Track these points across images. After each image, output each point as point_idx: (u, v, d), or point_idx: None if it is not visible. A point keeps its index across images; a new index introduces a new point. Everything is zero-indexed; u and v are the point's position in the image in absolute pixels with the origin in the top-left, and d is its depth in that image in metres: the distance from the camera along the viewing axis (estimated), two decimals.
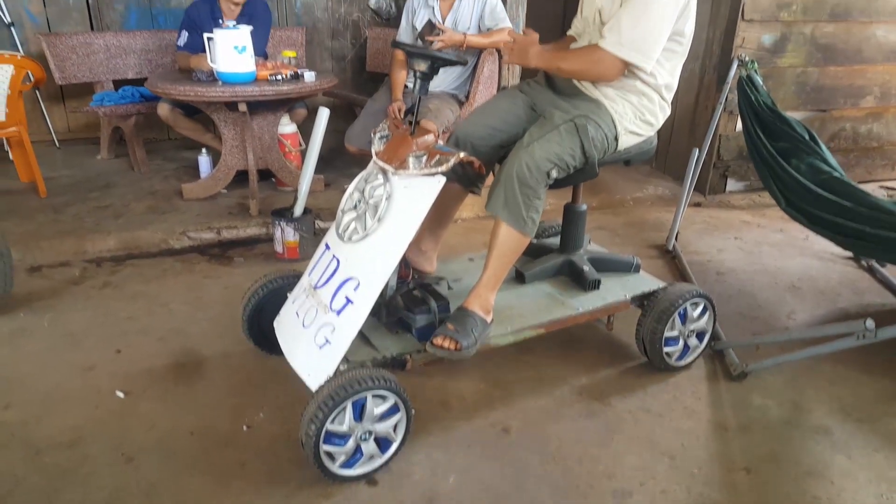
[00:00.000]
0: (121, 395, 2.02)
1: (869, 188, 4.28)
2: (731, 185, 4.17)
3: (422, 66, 1.81)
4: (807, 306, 2.73)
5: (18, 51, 4.28)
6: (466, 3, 3.36)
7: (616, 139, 1.99)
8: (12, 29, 4.28)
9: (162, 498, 1.63)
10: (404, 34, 3.64)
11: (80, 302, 2.60)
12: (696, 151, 3.30)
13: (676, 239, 3.30)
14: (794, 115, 3.97)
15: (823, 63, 4.03)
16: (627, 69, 1.92)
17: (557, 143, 1.86)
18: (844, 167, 4.25)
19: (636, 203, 4.03)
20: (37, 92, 4.39)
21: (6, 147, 4.17)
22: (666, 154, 4.41)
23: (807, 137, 2.84)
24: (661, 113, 2.06)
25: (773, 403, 2.05)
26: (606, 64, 1.87)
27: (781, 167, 2.79)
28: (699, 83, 4.06)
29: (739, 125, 3.36)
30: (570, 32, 2.26)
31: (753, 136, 2.99)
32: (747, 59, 3.16)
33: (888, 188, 4.36)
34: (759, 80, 3.08)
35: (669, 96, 2.05)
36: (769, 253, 3.27)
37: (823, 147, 2.81)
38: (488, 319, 1.91)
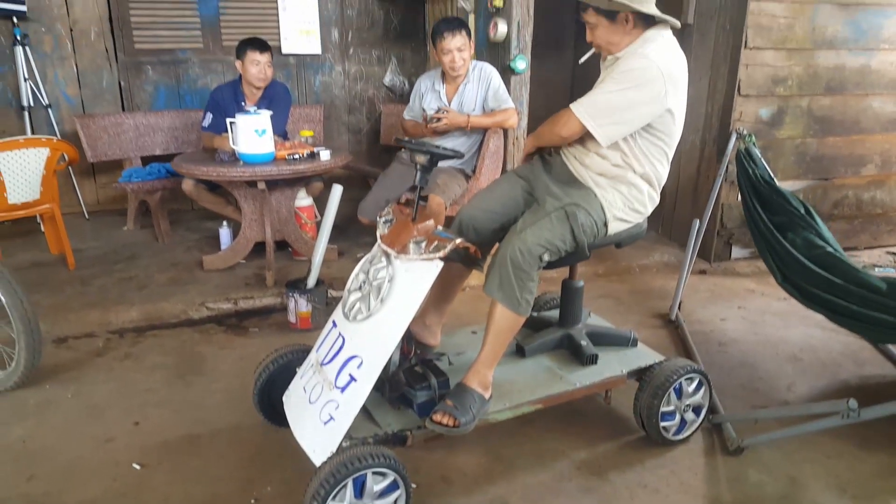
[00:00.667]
0: (137, 467, 2.12)
1: (875, 254, 4.36)
2: (736, 252, 4.25)
3: (422, 159, 1.97)
4: (807, 378, 2.77)
5: (54, 130, 4.57)
6: (471, 87, 3.55)
7: (605, 225, 2.11)
8: (49, 110, 4.58)
9: None
10: (409, 112, 3.84)
11: (102, 374, 2.73)
12: (697, 222, 3.40)
13: (679, 308, 3.37)
14: (795, 184, 4.14)
15: (822, 134, 4.15)
16: (619, 157, 2.07)
17: (549, 230, 1.98)
18: (849, 234, 4.37)
19: (642, 270, 4.12)
20: (69, 168, 4.65)
21: (38, 220, 4.42)
22: (671, 222, 4.51)
23: (802, 211, 2.92)
24: (649, 203, 2.18)
25: (770, 479, 2.09)
26: (570, 123, 2.04)
27: (778, 241, 2.87)
28: (700, 155, 4.19)
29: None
30: None
31: (751, 209, 3.08)
32: (745, 132, 3.28)
33: (895, 254, 4.41)
34: (756, 152, 3.18)
35: (658, 187, 2.18)
36: (772, 322, 3.32)
37: (819, 221, 2.89)
38: (486, 396, 2.00)
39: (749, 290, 3.79)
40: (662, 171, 2.16)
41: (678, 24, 2.06)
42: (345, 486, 1.66)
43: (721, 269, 4.11)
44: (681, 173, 4.36)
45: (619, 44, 2.05)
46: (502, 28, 3.67)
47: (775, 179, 3.11)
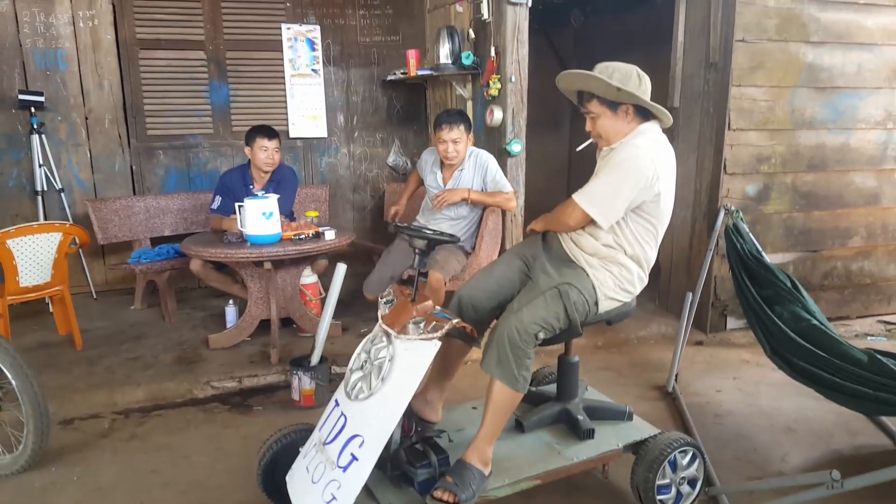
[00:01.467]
0: None
1: (867, 323, 4.44)
2: (731, 322, 4.33)
3: (420, 244, 2.09)
4: (801, 449, 2.81)
5: (66, 213, 4.74)
6: (467, 173, 3.74)
7: (596, 304, 2.22)
8: (62, 194, 4.76)
9: None
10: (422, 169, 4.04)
11: (108, 455, 2.78)
12: (690, 295, 3.50)
13: (676, 380, 3.43)
14: (785, 257, 4.26)
15: (807, 208, 4.30)
16: (611, 238, 2.21)
17: (543, 308, 2.08)
18: (841, 303, 4.46)
19: (640, 341, 4.19)
20: (79, 250, 4.80)
21: (46, 301, 4.52)
22: (668, 294, 4.61)
23: (789, 285, 3.02)
24: (638, 283, 2.29)
25: None
26: (576, 214, 2.18)
27: (766, 314, 2.96)
28: (691, 229, 4.33)
29: None
30: None
31: (741, 283, 3.19)
32: (732, 208, 3.43)
33: (886, 322, 4.48)
34: (744, 227, 3.31)
35: (647, 269, 2.30)
36: (767, 393, 3.37)
37: (804, 294, 2.99)
38: (486, 472, 2.05)
39: (744, 360, 3.85)
40: (651, 254, 2.28)
41: (671, 120, 2.24)
42: None
43: (717, 340, 4.19)
44: (674, 247, 4.50)
45: (617, 133, 2.22)
46: (498, 115, 3.89)
47: (763, 253, 3.23)
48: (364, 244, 5.02)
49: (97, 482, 2.56)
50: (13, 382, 2.48)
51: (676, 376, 3.44)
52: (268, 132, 4.04)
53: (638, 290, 2.31)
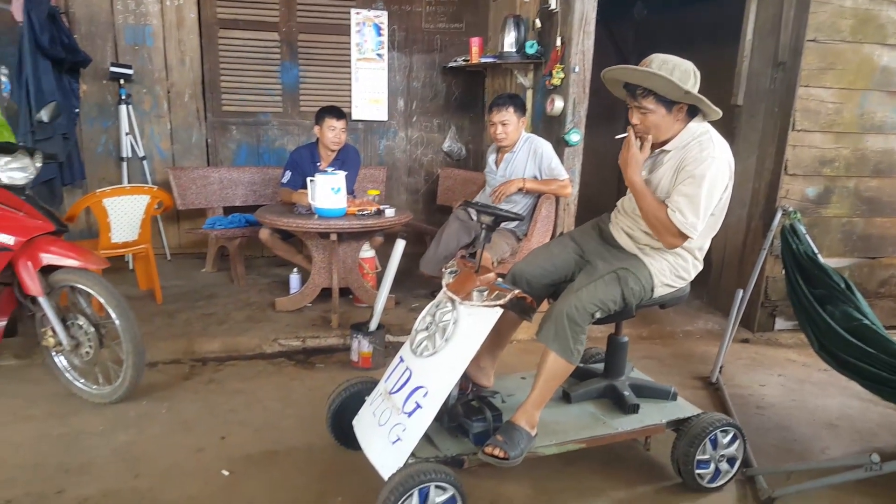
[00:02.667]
0: (226, 473, 2.42)
1: None
2: (780, 323, 4.36)
3: (487, 219, 2.27)
4: (842, 444, 2.89)
5: (147, 179, 5.08)
6: (520, 157, 3.89)
7: (652, 290, 2.35)
8: (144, 162, 5.10)
9: None
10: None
11: (190, 394, 3.07)
12: (741, 292, 3.58)
13: (720, 372, 3.53)
14: (841, 262, 4.26)
15: (869, 214, 4.26)
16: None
17: (602, 291, 2.22)
18: None
19: (685, 336, 4.28)
20: (157, 216, 5.13)
21: (126, 259, 4.87)
22: (717, 291, 4.67)
23: (843, 286, 3.06)
24: (693, 269, 2.41)
25: None
26: (674, 237, 2.19)
27: (817, 312, 3.01)
28: (746, 228, 4.37)
29: None
30: None
31: (793, 282, 3.23)
32: (790, 209, 3.48)
33: None
34: (801, 229, 3.33)
35: (702, 255, 2.41)
36: (811, 391, 3.44)
37: (859, 296, 3.02)
38: (533, 433, 2.21)
39: (790, 359, 3.91)
40: (705, 243, 2.39)
41: (720, 114, 2.28)
42: (411, 495, 1.91)
43: (764, 339, 4.24)
44: (727, 245, 4.55)
45: (666, 131, 2.26)
46: (559, 104, 4.02)
47: (819, 255, 3.26)
48: (417, 225, 5.22)
49: (182, 416, 2.85)
50: (117, 322, 2.77)
51: (721, 368, 3.53)
52: (337, 113, 4.26)
53: (692, 276, 2.43)
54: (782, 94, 4.08)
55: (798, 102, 3.98)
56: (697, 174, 2.15)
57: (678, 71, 2.17)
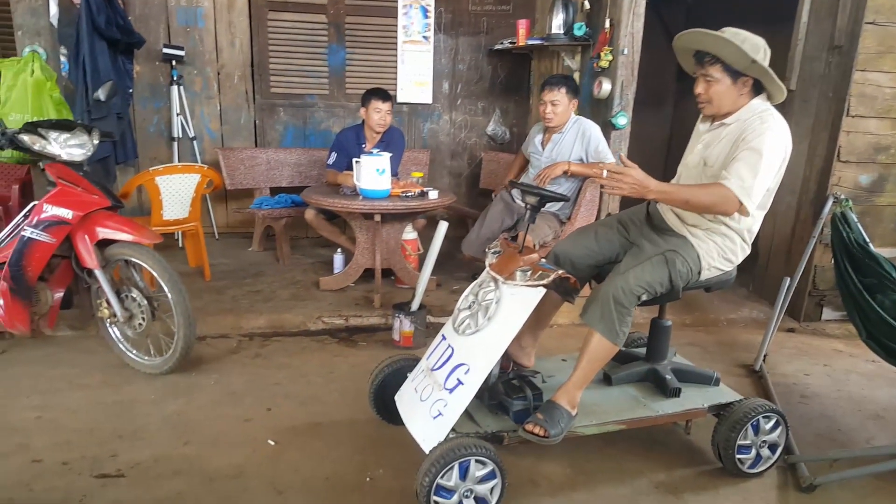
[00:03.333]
0: (272, 443, 2.51)
1: None
2: (827, 313, 4.27)
3: (532, 200, 2.28)
4: (888, 435, 2.83)
5: (196, 159, 5.21)
6: (567, 138, 3.87)
7: (699, 273, 2.33)
8: (194, 142, 5.23)
9: None
10: (527, 148, 4.20)
11: (237, 367, 3.18)
12: (788, 280, 3.52)
13: (764, 360, 3.48)
14: (893, 252, 4.12)
15: None
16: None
17: (649, 273, 2.21)
18: None
19: (729, 324, 4.23)
20: (206, 195, 5.26)
21: (176, 237, 5.02)
22: (763, 280, 4.59)
23: (894, 275, 3.00)
24: (741, 252, 2.39)
25: None
26: (731, 202, 2.13)
27: (866, 301, 2.95)
28: (796, 216, 4.29)
29: None
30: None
31: (842, 270, 3.17)
32: (842, 197, 3.40)
33: None
34: (852, 217, 3.25)
35: (750, 239, 2.38)
36: (857, 381, 3.38)
37: None
38: (573, 413, 2.23)
39: (837, 350, 3.84)
40: (755, 225, 2.36)
41: (785, 94, 2.25)
42: (452, 468, 1.95)
43: (810, 329, 4.16)
44: (775, 233, 4.47)
45: (730, 104, 2.25)
46: (606, 86, 3.99)
47: (870, 244, 3.19)
48: (459, 208, 5.24)
49: (230, 388, 2.95)
50: (169, 296, 2.88)
51: (765, 356, 3.49)
52: (383, 95, 4.30)
53: (740, 259, 2.40)
54: (837, 79, 3.97)
55: (853, 87, 3.88)
56: (755, 145, 2.14)
57: (749, 43, 2.17)
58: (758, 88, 2.26)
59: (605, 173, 2.21)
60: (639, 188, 2.11)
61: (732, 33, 2.18)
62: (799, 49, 4.29)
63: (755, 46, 2.17)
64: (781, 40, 4.43)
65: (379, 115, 4.29)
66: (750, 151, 2.15)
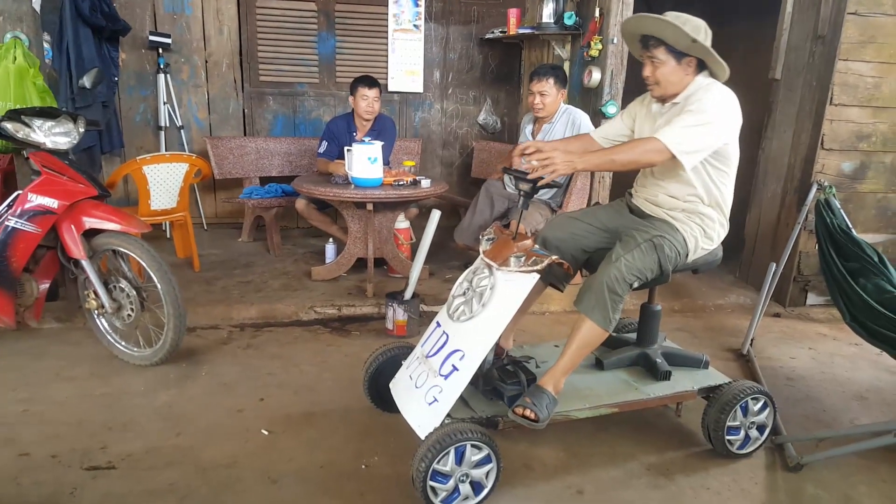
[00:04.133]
0: (265, 432, 2.50)
1: None
2: (812, 299, 4.34)
3: (525, 186, 2.29)
4: (871, 415, 2.88)
5: (184, 148, 5.16)
6: (557, 128, 3.88)
7: (687, 255, 2.37)
8: (181, 131, 5.18)
9: None
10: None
11: (229, 358, 3.16)
12: (773, 266, 3.57)
13: (751, 344, 3.53)
14: (875, 237, 4.21)
15: None
16: (685, 193, 2.34)
17: (640, 259, 2.23)
18: None
19: (717, 309, 4.27)
20: (194, 185, 5.23)
21: (164, 227, 4.98)
22: (749, 266, 4.65)
23: (876, 260, 3.05)
24: (721, 229, 2.44)
25: (826, 495, 2.26)
26: (659, 153, 2.19)
27: (850, 285, 3.01)
28: (781, 203, 4.34)
29: None
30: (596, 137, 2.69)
31: (826, 255, 3.23)
32: (826, 184, 3.45)
33: None
34: (836, 203, 3.31)
35: (727, 211, 2.43)
36: (841, 364, 3.43)
37: (892, 269, 3.01)
38: (556, 398, 2.24)
39: (821, 334, 3.90)
40: (728, 195, 2.41)
41: (727, 72, 2.32)
42: (448, 452, 1.97)
43: (795, 314, 4.22)
44: (761, 220, 4.52)
45: (677, 84, 2.32)
46: (596, 75, 4.00)
47: (853, 229, 3.24)
48: (451, 197, 5.25)
49: (222, 378, 2.94)
50: (158, 286, 2.86)
51: (752, 340, 3.54)
52: (369, 82, 4.28)
53: (721, 236, 2.46)
54: (821, 68, 4.02)
55: (836, 76, 3.93)
56: (692, 108, 2.23)
57: (690, 24, 2.24)
58: (702, 68, 2.34)
59: (534, 163, 2.25)
60: (569, 162, 2.20)
61: (674, 15, 2.24)
62: (784, 39, 4.32)
63: (696, 27, 2.24)
64: (767, 31, 4.48)
65: (366, 102, 4.28)
66: (686, 112, 2.24)
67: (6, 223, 2.79)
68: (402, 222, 4.36)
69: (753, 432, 2.46)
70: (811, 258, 4.19)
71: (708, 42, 2.26)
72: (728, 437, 2.41)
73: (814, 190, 3.62)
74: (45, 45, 3.76)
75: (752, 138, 4.58)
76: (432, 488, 1.99)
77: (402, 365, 2.43)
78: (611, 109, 4.01)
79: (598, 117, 4.04)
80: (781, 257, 3.66)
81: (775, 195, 4.39)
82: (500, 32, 5.10)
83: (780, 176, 4.34)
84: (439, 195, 4.35)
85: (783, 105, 4.34)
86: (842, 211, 3.30)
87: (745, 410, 2.41)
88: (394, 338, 3.45)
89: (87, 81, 3.42)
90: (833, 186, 3.43)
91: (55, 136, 2.86)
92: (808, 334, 3.88)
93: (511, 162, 4.25)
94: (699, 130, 2.21)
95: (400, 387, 2.34)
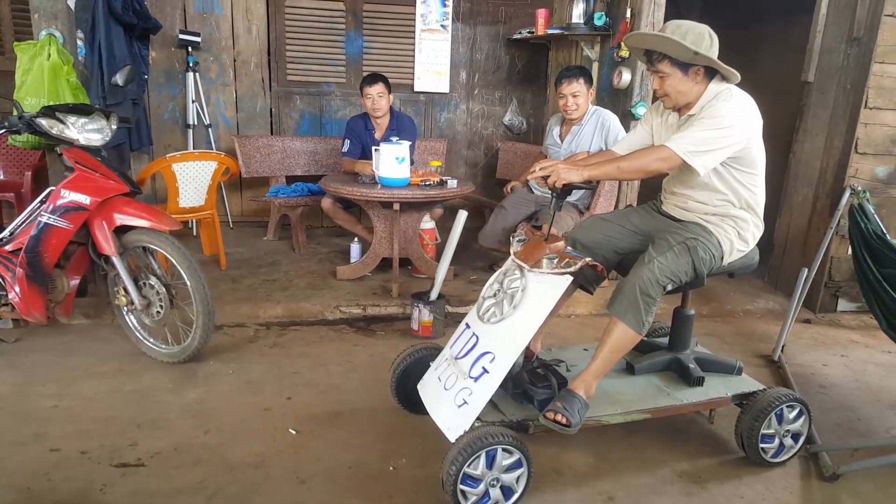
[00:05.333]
0: (293, 432, 2.50)
1: None
2: (843, 305, 4.26)
3: (559, 186, 2.26)
4: None
5: (212, 147, 5.20)
6: (587, 130, 3.84)
7: (722, 258, 2.32)
8: (209, 129, 5.22)
9: None
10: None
11: (256, 356, 3.17)
12: (805, 271, 3.50)
13: (783, 351, 3.47)
14: None
15: None
16: (715, 198, 2.32)
17: (673, 262, 2.20)
18: None
19: (746, 315, 4.21)
20: (220, 184, 5.26)
21: (191, 225, 5.02)
22: (779, 271, 4.58)
23: None
24: (756, 230, 2.39)
25: None
26: (669, 160, 2.19)
27: (886, 292, 2.95)
28: (812, 208, 4.26)
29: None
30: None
31: (861, 261, 3.17)
32: (859, 188, 3.38)
33: None
34: (870, 208, 3.26)
35: (760, 212, 2.39)
36: (874, 372, 3.36)
37: None
38: (588, 402, 2.21)
39: (853, 341, 3.82)
40: (760, 195, 2.36)
41: (738, 77, 2.28)
42: (479, 456, 1.95)
43: (826, 320, 4.15)
44: (791, 225, 4.45)
45: (687, 94, 2.28)
46: (626, 77, 3.95)
47: (887, 235, 3.18)
48: (476, 198, 5.22)
49: (249, 376, 2.95)
50: (188, 283, 2.87)
51: (783, 347, 3.47)
52: (370, 79, 4.27)
53: (756, 237, 2.41)
54: (856, 71, 3.94)
55: (872, 79, 3.86)
56: (704, 115, 2.21)
57: (691, 34, 2.19)
58: (713, 73, 2.29)
59: (537, 171, 2.28)
60: (572, 171, 2.21)
61: (674, 27, 2.21)
62: (817, 41, 4.25)
63: (699, 36, 2.20)
64: (800, 32, 4.40)
65: (369, 100, 4.27)
66: (699, 120, 2.21)
67: (39, 219, 2.81)
68: (427, 223, 4.35)
69: (788, 440, 2.41)
70: (843, 264, 4.12)
71: (714, 49, 2.22)
72: (762, 445, 2.36)
73: (847, 194, 3.56)
74: (79, 43, 3.80)
75: (784, 141, 4.51)
76: (462, 492, 1.97)
77: (429, 366, 2.41)
78: (640, 111, 3.96)
79: (627, 119, 4.00)
80: (813, 263, 3.59)
81: (806, 199, 4.31)
82: (528, 33, 5.06)
83: (812, 180, 4.26)
84: (466, 196, 4.33)
85: (815, 108, 4.26)
86: (876, 216, 3.24)
87: (780, 418, 2.37)
88: (419, 338, 3.44)
89: (119, 79, 3.46)
90: (867, 191, 3.36)
91: (88, 132, 2.89)
92: (840, 341, 3.81)
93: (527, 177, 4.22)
94: (711, 135, 2.17)
95: (429, 388, 2.33)
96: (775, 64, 5.25)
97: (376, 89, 4.26)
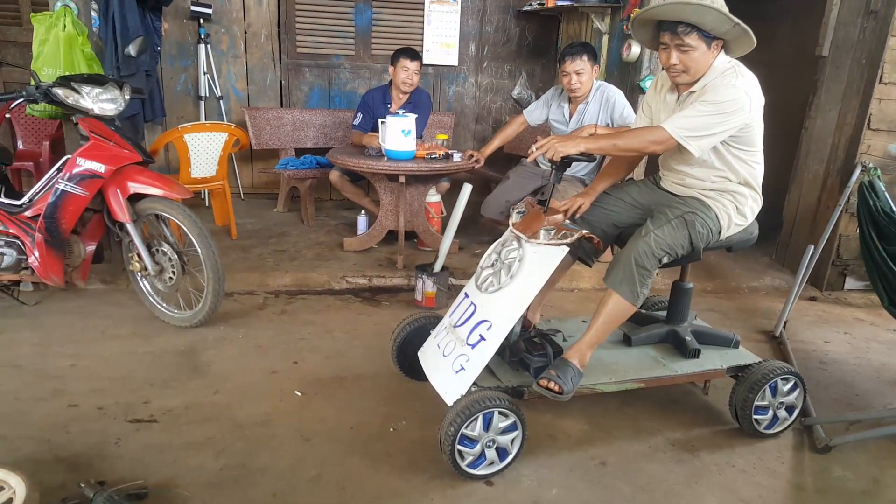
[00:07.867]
0: (298, 394, 2.59)
1: None
2: (850, 283, 4.25)
3: (557, 158, 2.28)
4: None
5: (223, 118, 5.25)
6: (592, 107, 3.82)
7: (720, 232, 2.35)
8: (220, 101, 5.26)
9: (330, 470, 2.13)
10: (533, 112, 4.10)
11: (264, 323, 3.26)
12: (811, 248, 3.51)
13: (785, 327, 3.49)
14: None
15: None
16: (713, 174, 2.32)
17: (670, 235, 2.23)
18: None
19: (751, 291, 4.22)
20: (231, 155, 5.32)
21: (202, 196, 5.09)
22: (786, 248, 4.57)
23: None
24: (754, 205, 2.40)
25: (853, 476, 2.25)
26: (665, 143, 2.19)
27: (890, 269, 2.96)
28: (822, 185, 4.24)
29: None
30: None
31: (867, 238, 3.17)
32: (871, 165, 3.37)
33: None
34: (880, 185, 3.24)
35: (759, 187, 2.39)
36: (877, 349, 3.38)
37: None
38: (582, 371, 2.26)
39: (858, 319, 3.83)
40: (758, 170, 2.36)
41: (754, 44, 2.20)
42: (476, 418, 2.01)
43: (832, 298, 4.15)
44: (801, 201, 4.43)
45: (701, 68, 2.21)
46: (635, 49, 3.94)
47: None
48: (483, 172, 5.22)
49: (257, 341, 3.04)
50: (199, 250, 2.95)
51: (786, 323, 3.49)
52: (411, 54, 4.29)
53: (755, 212, 2.42)
54: (872, 45, 3.89)
55: (888, 54, 3.80)
56: (705, 98, 2.17)
57: (718, 2, 2.12)
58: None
59: (533, 148, 2.27)
60: (568, 144, 2.21)
61: None
62: (833, 15, 4.18)
63: (723, 6, 2.13)
64: (814, 6, 4.34)
65: (406, 73, 4.28)
66: (701, 102, 2.17)
67: (56, 186, 2.89)
68: (433, 196, 4.39)
69: (782, 413, 2.45)
70: (851, 241, 4.10)
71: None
72: (756, 417, 2.40)
73: (858, 171, 3.54)
74: (93, 14, 3.84)
75: (798, 117, 4.48)
76: (459, 452, 2.04)
77: (429, 334, 2.47)
78: (648, 84, 3.94)
79: (635, 92, 3.99)
80: (820, 240, 3.59)
81: (817, 176, 4.29)
82: (539, 5, 5.04)
83: (823, 157, 4.23)
84: (471, 170, 4.35)
85: (829, 83, 4.22)
86: (886, 194, 3.22)
87: (774, 390, 2.40)
88: (422, 309, 3.50)
89: (132, 50, 3.50)
90: (878, 168, 3.35)
91: (102, 102, 2.95)
92: (845, 319, 3.82)
93: (510, 137, 4.20)
94: (710, 120, 2.15)
95: (428, 355, 2.39)
96: (788, 38, 5.17)
97: (415, 65, 4.29)
